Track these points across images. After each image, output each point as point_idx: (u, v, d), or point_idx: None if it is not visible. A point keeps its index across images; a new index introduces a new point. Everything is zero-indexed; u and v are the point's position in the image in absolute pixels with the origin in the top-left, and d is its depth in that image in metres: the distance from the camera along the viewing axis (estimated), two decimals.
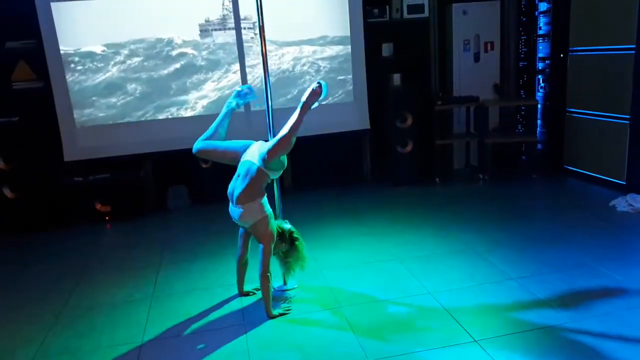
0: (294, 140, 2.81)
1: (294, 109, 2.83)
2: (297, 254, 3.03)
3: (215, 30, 5.01)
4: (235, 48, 5.07)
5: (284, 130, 2.80)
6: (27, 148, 4.69)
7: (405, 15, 5.40)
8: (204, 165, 5.22)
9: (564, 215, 4.20)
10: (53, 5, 4.61)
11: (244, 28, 5.06)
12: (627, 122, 4.49)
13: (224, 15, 5.00)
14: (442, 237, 3.86)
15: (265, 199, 2.90)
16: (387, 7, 5.39)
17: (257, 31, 2.95)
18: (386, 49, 5.52)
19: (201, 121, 5.08)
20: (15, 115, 4.62)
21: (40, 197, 4.76)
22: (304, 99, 2.83)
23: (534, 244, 3.61)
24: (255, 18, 4.97)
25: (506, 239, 3.74)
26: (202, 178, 5.25)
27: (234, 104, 3.13)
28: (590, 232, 3.77)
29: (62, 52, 4.70)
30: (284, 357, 2.49)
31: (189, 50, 5.01)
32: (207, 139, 3.04)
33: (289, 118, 2.82)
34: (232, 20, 5.02)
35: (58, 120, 4.79)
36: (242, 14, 5.02)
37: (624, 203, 4.23)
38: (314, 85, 2.84)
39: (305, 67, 5.26)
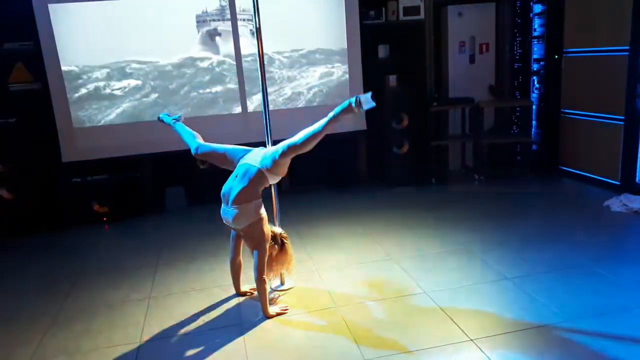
0: (310, 146, 2.77)
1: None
2: (285, 258, 3.05)
3: (214, 20, 5.02)
4: (232, 41, 5.08)
5: (303, 134, 2.73)
6: (25, 149, 4.69)
7: (401, 17, 5.43)
8: (201, 167, 5.22)
9: (559, 215, 4.23)
10: (50, 7, 4.62)
11: (241, 20, 5.07)
12: (621, 122, 4.53)
13: (221, 6, 5.01)
14: (438, 237, 3.89)
15: (261, 202, 2.91)
16: (383, 9, 5.41)
17: (252, 27, 2.99)
18: (382, 51, 5.55)
19: (199, 122, 5.10)
20: (13, 117, 4.62)
21: (38, 198, 4.76)
22: (333, 113, 2.72)
23: (529, 244, 3.64)
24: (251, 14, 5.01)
25: (501, 239, 3.77)
26: (199, 179, 5.26)
27: (172, 121, 3.30)
28: (584, 232, 3.80)
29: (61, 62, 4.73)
30: (281, 357, 2.50)
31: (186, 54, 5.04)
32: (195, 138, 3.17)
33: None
34: (228, 12, 5.04)
35: (56, 122, 4.79)
36: (237, 9, 5.03)
37: (618, 203, 4.27)
38: (353, 99, 2.69)
39: (301, 69, 5.27)
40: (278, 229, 3.09)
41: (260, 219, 2.86)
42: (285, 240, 3.05)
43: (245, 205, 2.82)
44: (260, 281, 2.84)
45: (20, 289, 3.54)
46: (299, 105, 5.31)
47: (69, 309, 3.15)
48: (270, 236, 2.95)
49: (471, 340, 2.52)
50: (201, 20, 5.00)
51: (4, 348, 2.76)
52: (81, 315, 3.06)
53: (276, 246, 3.01)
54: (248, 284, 3.19)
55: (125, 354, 2.62)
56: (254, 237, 2.86)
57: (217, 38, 5.07)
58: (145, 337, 2.76)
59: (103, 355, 2.62)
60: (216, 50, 5.09)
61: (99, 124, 4.93)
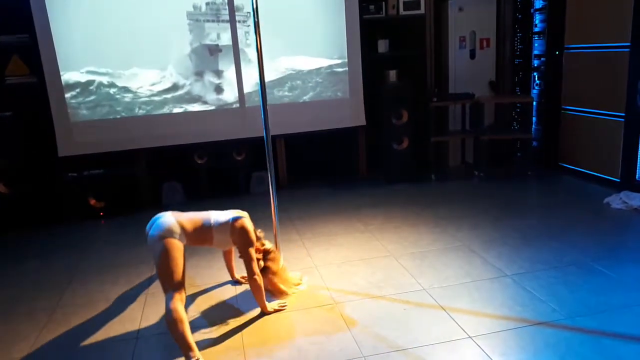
0: None
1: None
2: (276, 275, 3.00)
3: (209, 22, 4.99)
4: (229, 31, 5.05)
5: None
6: (21, 143, 4.65)
7: (402, 11, 5.40)
8: (198, 161, 5.21)
9: (559, 212, 4.22)
10: None
11: (239, 21, 5.03)
12: (622, 119, 4.51)
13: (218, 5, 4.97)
14: (437, 234, 3.87)
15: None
16: (383, 3, 5.38)
17: (251, 23, 2.96)
18: (382, 46, 5.52)
19: (196, 117, 5.09)
20: (9, 110, 4.59)
21: (35, 193, 4.73)
22: None
23: (529, 241, 3.62)
24: (248, 9, 4.97)
25: (501, 236, 3.76)
26: (197, 174, 5.24)
27: None
28: (584, 230, 3.79)
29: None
30: (280, 354, 2.49)
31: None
32: None
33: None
34: (226, 13, 5.00)
35: (52, 116, 4.75)
36: (235, 4, 5.00)
37: (618, 200, 4.25)
38: None
39: (299, 65, 5.24)
40: (269, 245, 3.01)
41: (236, 229, 2.82)
42: (268, 258, 2.96)
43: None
44: (252, 281, 2.80)
45: (17, 284, 3.51)
46: (298, 100, 5.28)
47: (67, 304, 3.14)
48: (253, 238, 2.88)
49: (470, 337, 2.50)
50: (194, 20, 4.95)
51: (2, 343, 2.75)
52: (79, 311, 3.04)
53: (261, 262, 2.94)
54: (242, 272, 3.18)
55: (122, 348, 2.61)
56: (238, 246, 2.87)
57: (216, 26, 5.03)
58: (143, 332, 2.74)
59: (101, 350, 2.61)
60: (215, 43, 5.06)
61: (96, 118, 4.89)
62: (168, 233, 2.63)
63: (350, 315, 2.78)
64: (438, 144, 5.59)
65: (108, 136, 4.90)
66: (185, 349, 2.38)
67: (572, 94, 5.09)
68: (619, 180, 4.59)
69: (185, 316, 2.45)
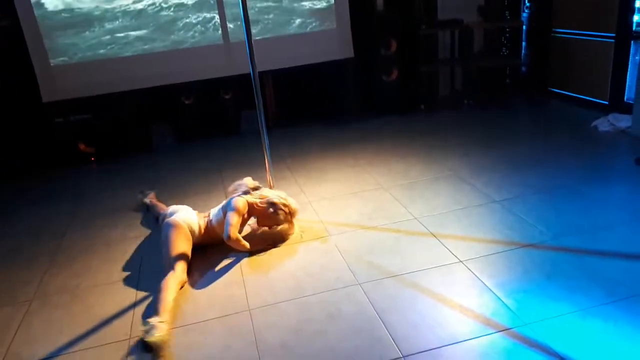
0: None
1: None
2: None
3: None
4: None
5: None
6: (2, 91, 4.54)
7: None
8: (186, 102, 5.13)
9: (547, 137, 4.26)
10: None
11: None
12: (612, 40, 4.45)
13: None
14: (427, 164, 3.92)
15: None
16: None
17: None
18: None
19: (180, 56, 4.95)
20: None
21: (22, 140, 4.68)
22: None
23: (517, 168, 3.68)
24: None
25: (490, 163, 3.81)
26: (185, 115, 5.18)
27: None
28: (572, 153, 3.84)
29: None
30: (278, 284, 2.58)
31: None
32: None
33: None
34: None
35: (31, 60, 4.60)
36: None
37: (606, 123, 4.29)
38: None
39: None
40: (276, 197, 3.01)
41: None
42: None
43: None
44: (227, 241, 2.84)
45: (15, 232, 3.55)
46: (283, 34, 5.14)
47: (67, 249, 3.19)
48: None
49: (461, 261, 2.60)
50: None
51: (7, 288, 2.82)
52: (79, 255, 3.10)
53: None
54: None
55: (125, 288, 2.68)
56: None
57: None
58: (144, 272, 2.81)
59: (104, 291, 2.68)
60: None
61: (78, 61, 4.75)
62: (185, 224, 2.85)
63: (345, 246, 2.86)
64: (427, 74, 5.52)
65: (92, 79, 4.77)
66: (156, 310, 2.36)
67: (563, 15, 4.98)
68: (607, 102, 4.60)
69: (172, 287, 2.50)
